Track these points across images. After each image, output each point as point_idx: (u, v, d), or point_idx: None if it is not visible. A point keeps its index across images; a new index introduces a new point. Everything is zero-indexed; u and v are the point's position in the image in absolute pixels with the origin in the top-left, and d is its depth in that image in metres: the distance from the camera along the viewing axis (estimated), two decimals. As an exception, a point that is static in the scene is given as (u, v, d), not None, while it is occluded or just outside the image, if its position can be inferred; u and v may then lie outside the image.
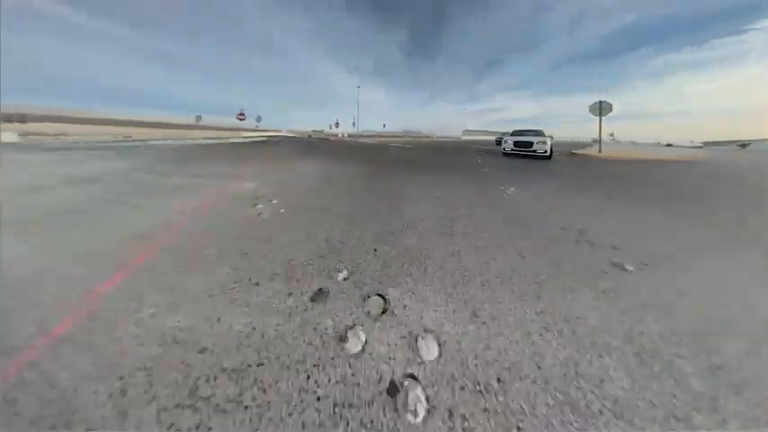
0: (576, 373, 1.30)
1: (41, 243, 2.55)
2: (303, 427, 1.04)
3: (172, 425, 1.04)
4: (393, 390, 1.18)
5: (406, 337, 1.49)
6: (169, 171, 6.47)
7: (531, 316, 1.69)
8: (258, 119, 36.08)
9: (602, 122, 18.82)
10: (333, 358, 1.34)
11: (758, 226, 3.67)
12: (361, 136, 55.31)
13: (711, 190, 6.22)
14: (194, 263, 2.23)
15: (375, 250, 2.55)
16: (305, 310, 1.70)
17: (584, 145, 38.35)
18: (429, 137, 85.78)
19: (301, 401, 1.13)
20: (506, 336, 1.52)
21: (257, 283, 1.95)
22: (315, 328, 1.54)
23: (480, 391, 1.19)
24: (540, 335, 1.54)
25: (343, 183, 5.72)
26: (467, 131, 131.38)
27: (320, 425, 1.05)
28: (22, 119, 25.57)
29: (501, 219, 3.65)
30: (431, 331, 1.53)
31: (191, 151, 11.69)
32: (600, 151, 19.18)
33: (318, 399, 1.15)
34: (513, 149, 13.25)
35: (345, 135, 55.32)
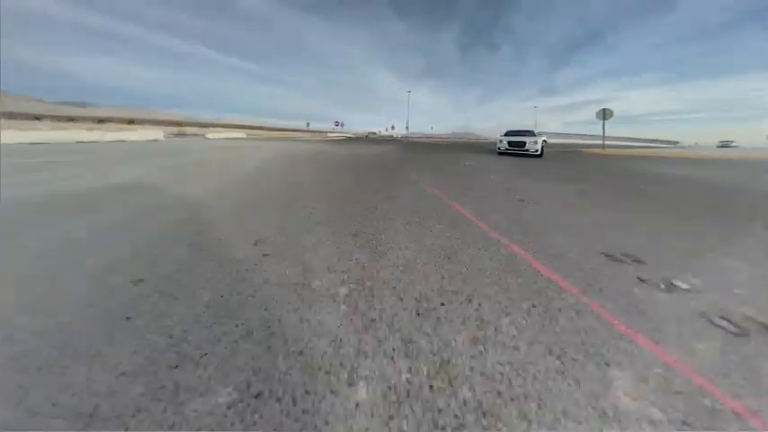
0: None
1: (374, 150, 14.21)
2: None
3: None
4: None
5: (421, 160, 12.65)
6: (343, 147, 18.35)
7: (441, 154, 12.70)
8: (342, 124, 49.92)
9: None
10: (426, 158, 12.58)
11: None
12: (410, 137, 66.72)
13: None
14: (394, 151, 13.64)
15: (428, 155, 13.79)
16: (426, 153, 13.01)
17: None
18: (479, 138, 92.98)
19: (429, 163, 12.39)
20: (443, 156, 12.57)
21: (403, 151, 13.27)
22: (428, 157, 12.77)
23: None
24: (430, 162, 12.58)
25: (408, 150, 16.96)
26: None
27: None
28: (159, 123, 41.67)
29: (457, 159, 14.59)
30: (420, 161, 12.69)
31: (333, 142, 24.01)
32: (603, 148, 28.25)
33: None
34: (507, 148, 14.59)
35: (398, 136, 67.34)
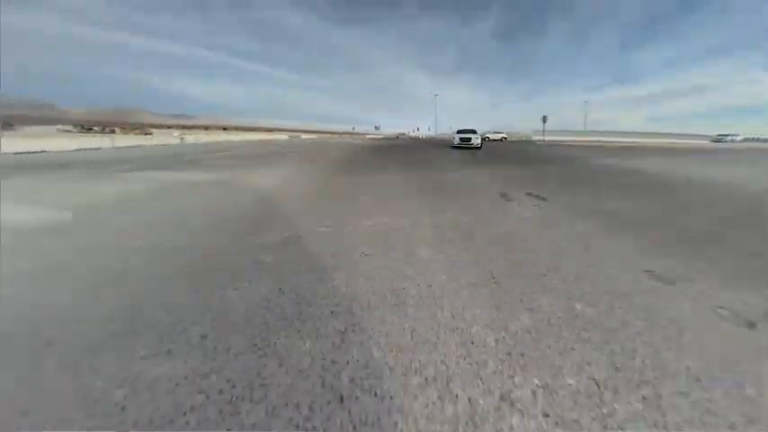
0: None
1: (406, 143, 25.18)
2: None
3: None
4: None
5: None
6: (396, 141, 29.32)
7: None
8: (379, 128, 61.46)
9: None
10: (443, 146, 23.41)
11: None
12: (435, 138, 77.37)
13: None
14: (427, 145, 24.50)
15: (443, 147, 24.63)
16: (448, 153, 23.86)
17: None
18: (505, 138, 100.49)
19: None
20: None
21: (433, 149, 24.10)
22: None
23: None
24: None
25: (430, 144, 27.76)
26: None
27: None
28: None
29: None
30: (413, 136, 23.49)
31: (374, 141, 35.17)
32: (544, 139, 39.11)
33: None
34: (458, 143, 18.65)
35: (424, 136, 78.26)
